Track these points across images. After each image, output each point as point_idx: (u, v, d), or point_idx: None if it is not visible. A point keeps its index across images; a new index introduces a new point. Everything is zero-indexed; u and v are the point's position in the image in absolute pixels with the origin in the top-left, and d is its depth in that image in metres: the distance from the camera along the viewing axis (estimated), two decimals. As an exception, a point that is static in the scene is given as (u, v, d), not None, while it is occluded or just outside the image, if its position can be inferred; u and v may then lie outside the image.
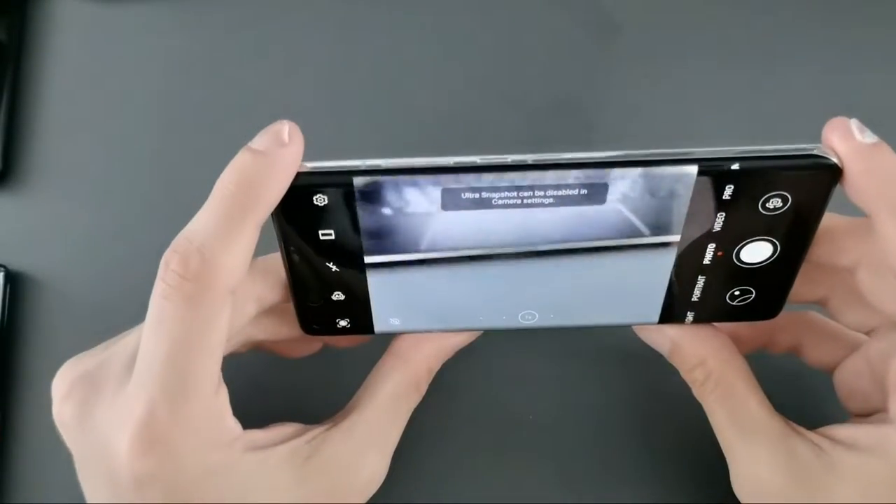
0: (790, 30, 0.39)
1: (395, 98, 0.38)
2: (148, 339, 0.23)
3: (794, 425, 0.26)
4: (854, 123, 0.23)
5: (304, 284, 0.26)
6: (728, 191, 0.23)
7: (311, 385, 0.32)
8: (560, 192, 0.23)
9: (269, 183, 0.23)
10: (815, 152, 0.23)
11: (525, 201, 0.24)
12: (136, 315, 0.25)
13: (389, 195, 0.23)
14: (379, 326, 0.28)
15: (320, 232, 0.24)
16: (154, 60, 0.39)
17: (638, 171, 0.23)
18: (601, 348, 0.33)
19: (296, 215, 0.24)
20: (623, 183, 0.23)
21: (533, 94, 0.38)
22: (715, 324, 0.28)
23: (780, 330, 0.30)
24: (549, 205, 0.24)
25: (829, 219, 0.25)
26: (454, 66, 0.38)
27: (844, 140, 0.23)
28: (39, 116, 0.38)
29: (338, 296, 0.27)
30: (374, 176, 0.23)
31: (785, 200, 0.23)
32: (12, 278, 0.34)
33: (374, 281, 0.26)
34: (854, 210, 0.24)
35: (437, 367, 0.29)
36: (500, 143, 0.36)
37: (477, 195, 0.23)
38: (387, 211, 0.24)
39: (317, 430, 0.27)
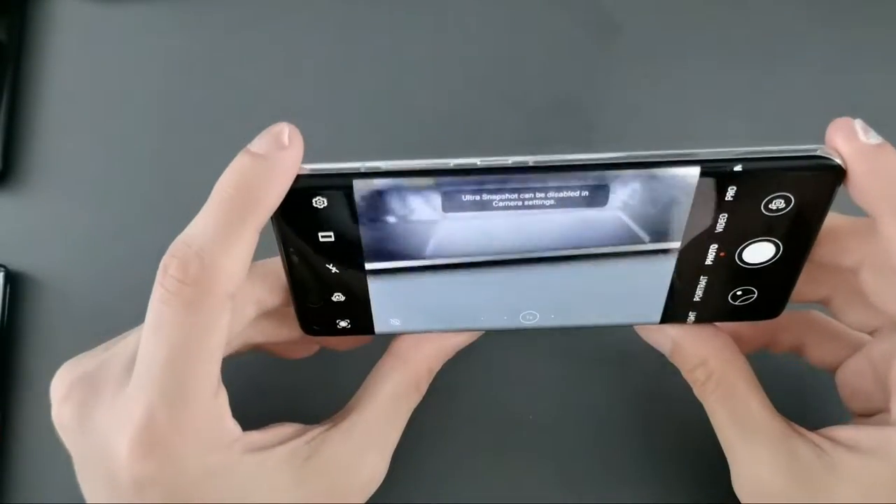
0: (790, 30, 0.38)
1: (395, 98, 0.38)
2: (147, 344, 0.23)
3: (796, 426, 0.26)
4: (858, 124, 0.23)
5: (303, 286, 0.26)
6: (731, 192, 0.23)
7: (310, 386, 0.32)
8: (561, 194, 0.23)
9: (268, 187, 0.23)
10: (818, 153, 0.23)
11: (526, 203, 0.23)
12: (135, 315, 0.24)
13: (389, 198, 0.23)
14: (379, 327, 0.28)
15: (320, 234, 0.24)
16: (154, 60, 0.39)
17: (640, 173, 0.23)
18: (601, 348, 0.33)
19: (295, 218, 0.24)
20: (625, 185, 0.23)
21: (533, 94, 0.38)
22: (717, 323, 0.28)
23: (782, 329, 0.30)
24: (551, 207, 0.23)
25: (833, 219, 0.25)
26: (454, 66, 0.38)
27: (848, 141, 0.23)
28: (39, 116, 0.38)
29: (338, 297, 0.27)
30: (374, 178, 0.23)
31: (788, 201, 0.23)
32: (12, 278, 0.34)
33: (374, 282, 0.26)
34: (854, 210, 0.24)
35: (437, 367, 0.29)
36: (501, 144, 0.36)
37: (477, 197, 0.23)
38: (387, 214, 0.24)
39: (316, 431, 0.27)
